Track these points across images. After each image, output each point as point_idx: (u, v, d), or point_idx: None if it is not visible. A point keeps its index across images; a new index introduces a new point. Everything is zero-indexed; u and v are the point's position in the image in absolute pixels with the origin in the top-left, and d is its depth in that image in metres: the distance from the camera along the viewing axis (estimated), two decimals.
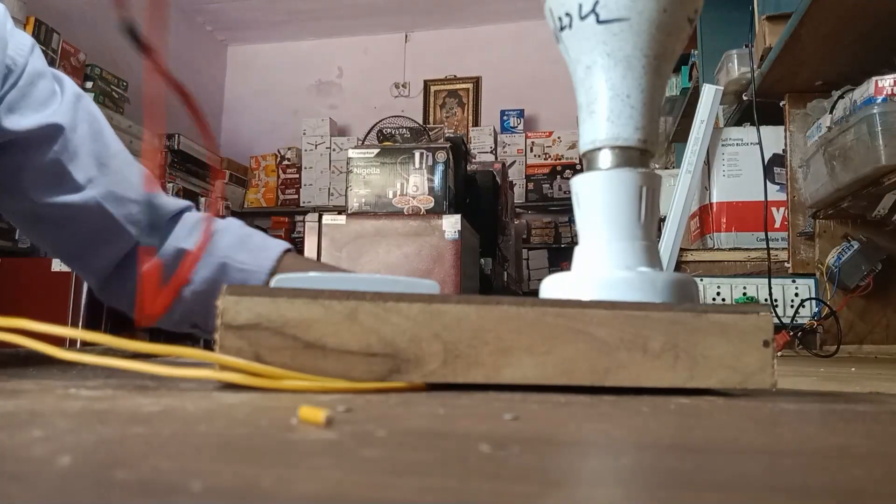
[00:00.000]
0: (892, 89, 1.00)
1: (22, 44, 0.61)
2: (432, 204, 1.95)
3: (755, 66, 1.40)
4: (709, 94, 1.56)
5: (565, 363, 0.28)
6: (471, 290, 1.94)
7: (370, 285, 0.28)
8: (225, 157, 4.30)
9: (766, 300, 1.24)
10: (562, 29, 0.41)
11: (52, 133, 0.61)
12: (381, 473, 0.14)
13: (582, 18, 0.40)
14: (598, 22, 0.39)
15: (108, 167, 0.63)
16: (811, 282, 1.28)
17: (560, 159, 4.31)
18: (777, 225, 1.48)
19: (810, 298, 1.26)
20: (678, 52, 0.41)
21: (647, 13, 0.39)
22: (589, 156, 0.41)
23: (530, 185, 4.31)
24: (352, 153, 1.88)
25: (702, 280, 1.29)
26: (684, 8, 0.40)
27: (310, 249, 1.94)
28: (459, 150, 2.13)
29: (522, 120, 4.46)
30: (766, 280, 1.23)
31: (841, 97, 1.14)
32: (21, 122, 0.59)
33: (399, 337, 0.27)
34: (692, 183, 1.52)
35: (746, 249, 1.46)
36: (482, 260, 2.24)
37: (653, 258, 0.39)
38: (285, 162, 4.22)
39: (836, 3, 1.05)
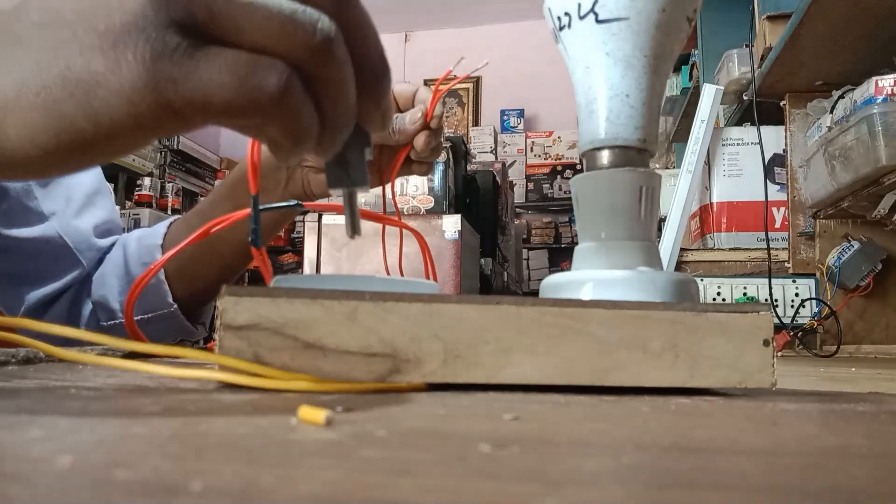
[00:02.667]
0: (892, 89, 1.00)
1: None
2: (432, 204, 1.95)
3: (755, 66, 1.40)
4: (709, 94, 1.56)
5: (565, 363, 0.28)
6: (471, 290, 1.94)
7: (370, 285, 0.28)
8: (225, 157, 4.30)
9: (766, 300, 1.24)
10: (561, 29, 0.41)
11: None
12: (381, 473, 0.14)
13: (581, 18, 0.40)
14: (597, 21, 0.39)
15: (73, 199, 0.65)
16: (811, 282, 1.28)
17: (560, 159, 4.31)
18: (777, 225, 1.48)
19: (810, 298, 1.26)
20: (677, 51, 0.41)
21: (646, 13, 0.39)
22: (588, 155, 0.41)
23: (530, 185, 4.31)
24: None
25: (702, 280, 1.29)
26: (683, 7, 0.40)
27: (310, 249, 1.94)
28: (459, 150, 2.13)
29: (522, 120, 4.47)
30: (767, 280, 1.24)
31: (841, 97, 1.14)
32: None
33: (399, 337, 0.27)
34: (692, 183, 1.52)
35: (747, 249, 1.46)
36: (482, 260, 2.24)
37: (652, 258, 0.39)
38: None
39: (836, 3, 1.05)
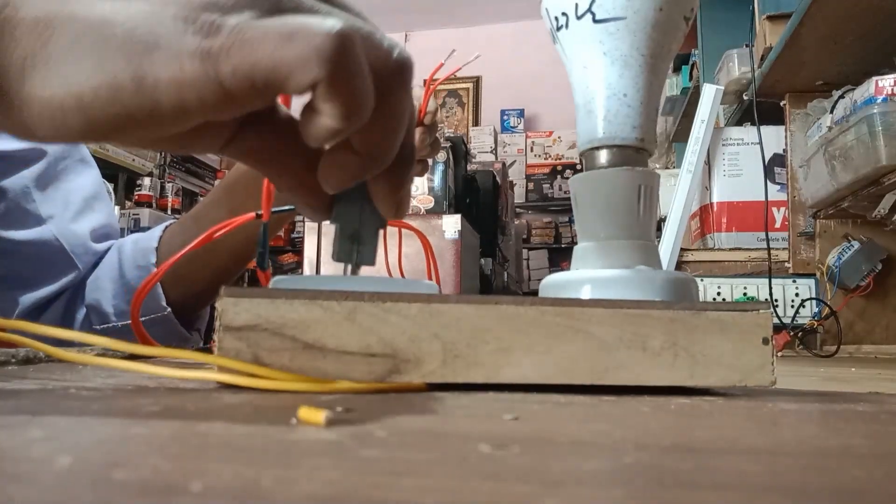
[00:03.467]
0: (892, 89, 1.00)
1: None
2: (432, 204, 1.95)
3: (755, 66, 1.40)
4: (709, 94, 1.56)
5: (565, 362, 0.28)
6: (471, 290, 1.94)
7: (369, 286, 0.28)
8: (225, 158, 4.29)
9: (766, 300, 1.24)
10: (558, 28, 0.41)
11: (35, 156, 0.63)
12: (381, 473, 0.14)
13: (578, 18, 0.40)
14: (595, 21, 0.39)
15: (71, 203, 0.65)
16: (811, 282, 1.28)
17: (560, 159, 4.31)
18: (777, 225, 1.48)
19: (811, 298, 1.26)
20: (675, 50, 0.41)
21: (643, 12, 0.39)
22: (587, 155, 0.41)
23: (530, 185, 4.31)
24: None
25: (702, 280, 1.29)
26: (680, 6, 0.40)
27: (309, 250, 1.94)
28: (459, 149, 2.13)
29: (522, 120, 4.46)
30: (767, 280, 1.23)
31: (841, 97, 1.14)
32: (10, 141, 0.60)
33: (398, 337, 0.27)
34: (692, 183, 1.52)
35: (747, 249, 1.46)
36: (482, 260, 2.24)
37: (651, 257, 0.39)
38: None
39: (836, 3, 1.05)
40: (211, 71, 0.23)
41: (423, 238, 0.50)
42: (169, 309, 0.63)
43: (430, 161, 0.59)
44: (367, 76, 0.24)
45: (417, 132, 0.55)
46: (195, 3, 0.23)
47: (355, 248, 0.30)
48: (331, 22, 0.23)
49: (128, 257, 0.64)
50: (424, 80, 0.60)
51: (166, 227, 0.66)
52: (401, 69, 0.25)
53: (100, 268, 0.66)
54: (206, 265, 0.62)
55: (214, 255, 0.61)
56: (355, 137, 0.26)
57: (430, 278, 0.48)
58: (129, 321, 0.62)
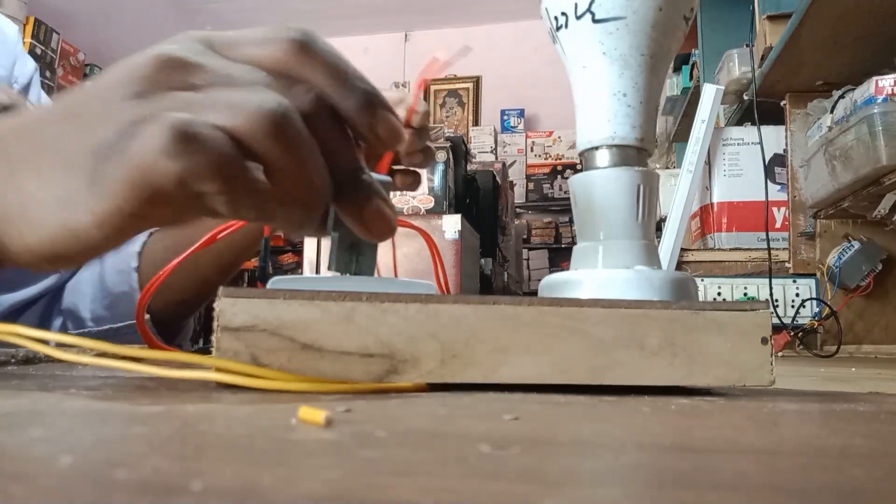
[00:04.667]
0: (892, 89, 1.00)
1: (27, 67, 0.64)
2: (432, 204, 1.95)
3: (756, 66, 1.40)
4: (709, 94, 1.56)
5: (563, 362, 0.28)
6: (471, 290, 1.94)
7: (367, 286, 0.28)
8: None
9: (766, 300, 1.24)
10: (558, 28, 0.41)
11: None
12: (381, 473, 0.14)
13: (577, 18, 0.40)
14: (594, 21, 0.39)
15: None
16: (812, 282, 1.28)
17: (560, 159, 4.31)
18: (778, 225, 1.48)
19: (811, 298, 1.26)
20: (674, 50, 0.41)
21: (643, 12, 0.39)
22: (587, 155, 0.41)
23: (530, 185, 4.31)
24: None
25: (702, 280, 1.29)
26: (680, 6, 0.40)
27: (309, 250, 1.94)
28: (459, 149, 2.13)
29: (522, 120, 4.46)
30: (767, 280, 1.23)
31: (841, 97, 1.14)
32: None
33: (396, 337, 0.27)
34: (693, 183, 1.52)
35: (747, 249, 1.46)
36: (482, 260, 2.24)
37: (650, 257, 0.39)
38: None
39: (836, 3, 1.05)
40: (114, 206, 0.26)
41: (429, 239, 0.49)
42: (148, 316, 0.62)
43: (422, 172, 0.55)
44: (214, 146, 0.25)
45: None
46: (86, 152, 0.27)
47: (354, 258, 0.31)
48: (162, 123, 0.25)
49: (109, 262, 0.63)
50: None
51: (151, 233, 0.65)
52: (266, 119, 0.26)
53: (80, 272, 0.65)
54: (189, 276, 0.61)
55: (198, 265, 0.60)
56: (284, 186, 0.27)
57: (437, 279, 0.47)
58: (106, 327, 0.61)
